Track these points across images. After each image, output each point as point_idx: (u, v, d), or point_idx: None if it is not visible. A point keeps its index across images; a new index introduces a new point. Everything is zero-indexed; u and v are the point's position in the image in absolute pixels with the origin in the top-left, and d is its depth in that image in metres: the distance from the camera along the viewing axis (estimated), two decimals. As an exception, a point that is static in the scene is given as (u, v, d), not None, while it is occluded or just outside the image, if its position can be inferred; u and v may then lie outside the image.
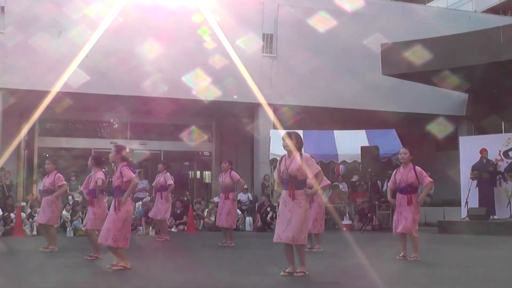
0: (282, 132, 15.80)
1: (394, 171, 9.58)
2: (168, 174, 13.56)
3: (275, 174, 7.72)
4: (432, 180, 9.26)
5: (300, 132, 16.62)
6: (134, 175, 8.16)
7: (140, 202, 16.89)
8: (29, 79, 16.94)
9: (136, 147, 20.10)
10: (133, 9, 17.70)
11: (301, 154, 7.40)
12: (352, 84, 19.35)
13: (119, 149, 8.41)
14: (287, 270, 7.32)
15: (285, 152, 7.57)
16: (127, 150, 8.58)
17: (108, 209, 9.25)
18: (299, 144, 7.47)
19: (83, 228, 14.85)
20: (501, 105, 18.54)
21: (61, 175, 10.98)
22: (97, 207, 9.56)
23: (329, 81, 19.78)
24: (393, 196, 9.52)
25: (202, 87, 18.27)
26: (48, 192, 10.86)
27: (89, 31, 16.66)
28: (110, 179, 9.87)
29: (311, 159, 7.42)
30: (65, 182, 11.03)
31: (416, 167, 9.25)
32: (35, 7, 16.94)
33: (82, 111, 20.55)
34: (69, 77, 16.31)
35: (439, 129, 20.31)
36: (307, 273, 7.26)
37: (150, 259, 9.92)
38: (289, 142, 7.44)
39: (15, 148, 18.23)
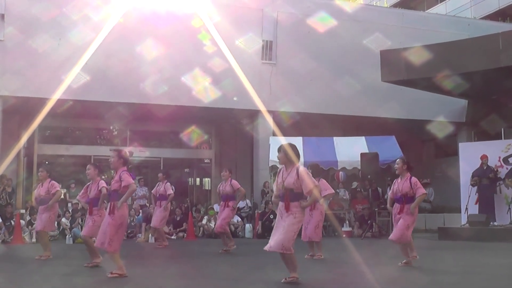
0: (282, 139, 15.91)
1: (394, 181, 9.73)
2: (168, 184, 13.56)
3: (274, 186, 7.71)
4: (425, 192, 9.44)
5: (300, 139, 16.96)
6: (132, 181, 8.13)
7: (140, 210, 16.89)
8: (28, 85, 16.91)
9: (135, 154, 20.08)
10: (134, 14, 17.69)
11: (297, 168, 7.33)
12: (351, 90, 19.39)
13: (120, 153, 8.39)
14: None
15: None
16: (127, 153, 8.56)
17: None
18: (288, 157, 7.39)
19: (82, 235, 14.92)
20: (501, 111, 18.53)
21: (55, 182, 10.90)
22: (97, 216, 9.49)
23: (328, 88, 19.78)
24: (392, 205, 9.66)
25: (201, 94, 18.28)
26: (44, 201, 10.77)
27: (89, 37, 16.70)
28: (109, 187, 9.84)
29: (307, 174, 7.32)
30: (59, 189, 10.92)
31: (412, 178, 9.36)
32: (34, 11, 16.91)
33: (82, 118, 20.55)
34: (69, 82, 16.35)
35: (439, 131, 20.36)
36: (299, 278, 7.20)
37: (148, 266, 9.87)
38: (279, 156, 7.47)
39: (14, 155, 18.24)
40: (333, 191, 11.53)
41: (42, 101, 16.43)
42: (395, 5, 35.63)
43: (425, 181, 14.42)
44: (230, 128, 21.90)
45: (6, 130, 17.67)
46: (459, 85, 17.53)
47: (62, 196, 18.66)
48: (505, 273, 8.68)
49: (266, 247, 7.32)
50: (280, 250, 7.16)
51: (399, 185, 9.37)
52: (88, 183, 9.99)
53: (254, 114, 19.55)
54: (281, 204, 7.37)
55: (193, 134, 21.56)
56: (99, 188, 9.59)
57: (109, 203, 8.15)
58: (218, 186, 12.75)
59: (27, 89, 16.95)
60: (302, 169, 7.37)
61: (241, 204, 17.48)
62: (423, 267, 9.01)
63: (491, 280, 7.98)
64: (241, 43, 18.87)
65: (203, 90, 18.23)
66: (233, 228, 16.16)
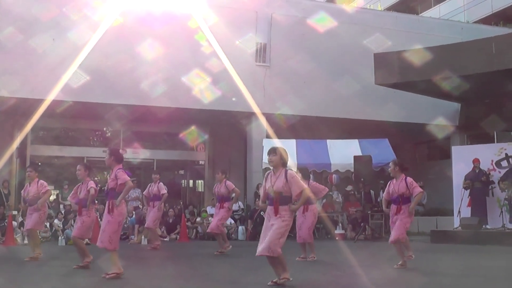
0: (276, 142, 15.88)
1: (389, 183, 9.77)
2: (161, 184, 13.62)
3: (261, 190, 7.70)
4: (422, 190, 9.47)
5: (293, 141, 16.94)
6: (129, 178, 8.19)
7: (133, 212, 16.84)
8: (25, 86, 16.80)
9: (128, 156, 20.04)
10: (131, 15, 17.62)
11: (286, 171, 7.34)
12: (346, 93, 19.41)
13: (114, 151, 8.47)
14: (274, 280, 7.24)
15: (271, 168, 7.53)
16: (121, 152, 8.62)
17: (100, 217, 9.23)
18: (283, 160, 7.42)
19: (72, 236, 14.87)
20: (494, 115, 18.63)
21: (44, 182, 10.88)
22: (86, 216, 9.47)
23: (323, 90, 19.82)
24: (388, 206, 9.73)
25: (198, 96, 18.25)
26: (34, 202, 10.69)
27: (87, 37, 16.61)
28: (102, 187, 9.84)
29: (295, 177, 7.35)
30: (49, 188, 10.91)
31: (408, 178, 9.43)
32: (33, 11, 16.81)
33: (76, 119, 20.46)
34: (66, 82, 16.27)
35: (432, 133, 20.47)
36: (290, 279, 7.17)
37: (141, 268, 9.86)
38: (273, 158, 7.42)
39: (9, 156, 18.18)
40: (327, 189, 11.55)
41: (38, 102, 16.33)
42: (390, 8, 35.70)
43: (419, 184, 14.50)
44: (224, 130, 21.87)
45: (3, 131, 17.57)
46: (453, 88, 17.61)
47: (55, 197, 18.68)
48: (502, 275, 8.74)
49: (257, 253, 7.29)
50: (266, 253, 7.12)
51: (395, 186, 9.42)
52: (79, 184, 9.97)
53: (248, 116, 19.54)
54: (269, 208, 7.35)
55: (188, 136, 21.54)
56: (88, 189, 9.57)
57: (107, 202, 8.16)
58: (214, 187, 12.77)
59: (24, 89, 16.82)
60: (290, 172, 7.36)
61: (234, 206, 17.45)
62: (419, 269, 9.04)
63: (488, 282, 8.03)
64: (240, 44, 18.86)
65: (199, 92, 18.21)
66: (225, 230, 16.11)
